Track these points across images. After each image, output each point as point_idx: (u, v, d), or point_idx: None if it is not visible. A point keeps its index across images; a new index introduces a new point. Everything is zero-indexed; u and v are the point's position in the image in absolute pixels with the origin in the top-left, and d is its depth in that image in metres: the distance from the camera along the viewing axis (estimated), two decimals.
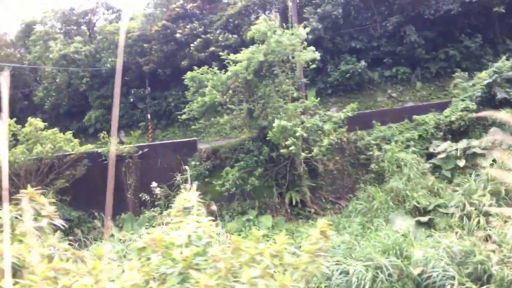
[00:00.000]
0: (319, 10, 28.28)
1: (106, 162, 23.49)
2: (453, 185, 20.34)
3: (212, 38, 29.76)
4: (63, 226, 3.46)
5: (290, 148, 18.75)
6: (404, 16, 28.93)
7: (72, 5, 35.12)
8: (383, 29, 30.32)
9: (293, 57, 21.19)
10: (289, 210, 22.31)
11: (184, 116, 22.77)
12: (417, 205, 19.11)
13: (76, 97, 36.78)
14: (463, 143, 20.96)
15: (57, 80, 36.77)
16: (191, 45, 29.32)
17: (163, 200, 22.85)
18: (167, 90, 33.98)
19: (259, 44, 20.16)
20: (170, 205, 23.01)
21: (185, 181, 23.31)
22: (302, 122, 20.66)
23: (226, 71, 21.89)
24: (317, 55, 20.26)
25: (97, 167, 23.65)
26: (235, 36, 29.56)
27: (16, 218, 3.58)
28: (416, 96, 31.43)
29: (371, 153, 22.55)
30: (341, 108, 26.82)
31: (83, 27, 36.42)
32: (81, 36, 35.59)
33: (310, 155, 19.80)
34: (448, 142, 21.78)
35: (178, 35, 29.36)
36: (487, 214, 16.77)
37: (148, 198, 22.89)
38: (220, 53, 21.37)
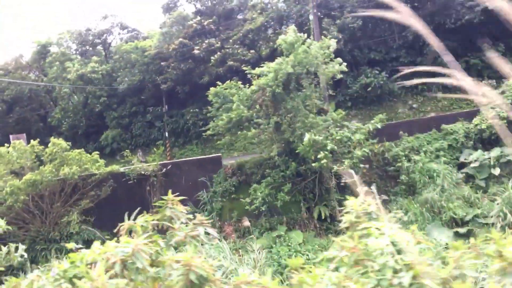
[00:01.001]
0: (338, 21, 28.10)
1: (130, 182, 23.19)
2: (488, 194, 19.80)
3: (230, 52, 29.63)
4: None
5: (322, 162, 18.33)
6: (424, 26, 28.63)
7: (88, 26, 35.23)
8: (402, 40, 30.07)
9: (317, 70, 20.93)
10: (318, 225, 21.79)
11: (208, 132, 22.47)
12: (454, 216, 18.58)
13: (92, 117, 36.69)
14: (496, 151, 20.46)
15: (73, 101, 36.73)
16: (211, 58, 29.17)
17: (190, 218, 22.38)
18: (184, 107, 33.80)
19: (286, 55, 19.91)
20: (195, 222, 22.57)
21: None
22: (331, 135, 20.27)
23: (250, 85, 21.67)
24: (344, 66, 20.00)
25: (120, 186, 23.33)
26: (253, 51, 29.40)
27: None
28: (437, 106, 31.02)
29: (400, 164, 22.08)
30: (361, 121, 26.47)
31: (99, 47, 36.51)
32: (97, 56, 35.64)
33: (342, 167, 19.35)
34: (480, 151, 21.30)
35: (196, 52, 29.26)
36: None
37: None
38: (244, 67, 21.11)
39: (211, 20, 30.33)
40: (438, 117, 25.48)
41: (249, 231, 22.03)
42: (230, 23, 31.59)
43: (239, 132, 20.85)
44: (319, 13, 25.85)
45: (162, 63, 30.90)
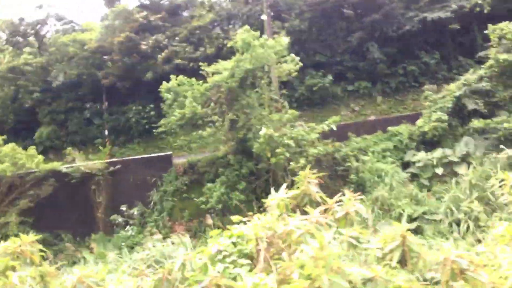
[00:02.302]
0: (286, 24, 28.46)
1: (74, 181, 21.90)
2: (432, 192, 20.93)
3: (177, 50, 28.96)
4: None
5: (280, 157, 18.47)
6: (367, 33, 29.82)
7: (21, 15, 32.84)
8: (346, 45, 31.04)
9: (271, 68, 21.06)
10: None
11: (160, 129, 21.79)
12: (403, 213, 19.41)
13: (22, 113, 34.19)
14: (438, 152, 21.65)
15: (1, 95, 34.05)
16: (159, 56, 28.34)
17: (139, 218, 21.57)
18: (126, 104, 32.48)
19: (241, 53, 19.79)
20: (146, 223, 21.62)
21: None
22: (285, 134, 20.42)
23: (204, 82, 21.32)
24: (299, 63, 20.38)
25: (63, 186, 21.94)
26: (202, 48, 28.98)
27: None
28: (377, 110, 32.30)
29: (349, 164, 22.69)
30: (306, 122, 26.94)
31: (31, 38, 34.14)
32: (31, 47, 33.36)
33: (299, 165, 19.55)
34: (423, 152, 22.44)
35: (143, 47, 28.30)
36: (476, 219, 17.34)
37: (121, 219, 21.49)
38: (201, 64, 20.74)
39: (158, 16, 29.51)
40: (383, 119, 26.58)
41: (201, 231, 21.63)
42: (176, 20, 30.91)
43: (193, 133, 20.42)
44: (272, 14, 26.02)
45: (104, 57, 29.55)
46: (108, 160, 22.58)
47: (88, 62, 30.20)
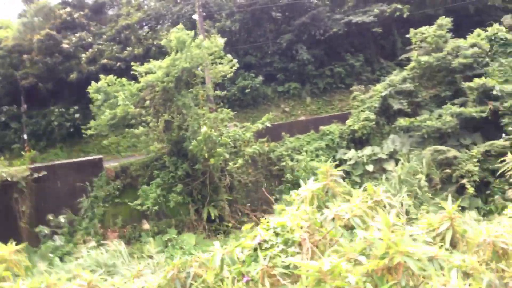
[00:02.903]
0: (218, 24, 28.32)
1: None
2: (363, 189, 21.74)
3: (103, 49, 27.75)
4: None
5: (219, 157, 18.35)
6: (295, 35, 30.45)
7: None
8: (276, 46, 31.50)
9: (207, 68, 20.86)
10: (206, 227, 21.57)
11: (89, 132, 20.74)
12: None
13: None
14: (368, 150, 22.58)
15: None
16: (82, 56, 26.96)
17: (68, 226, 20.35)
18: (47, 107, 30.59)
19: (177, 52, 19.37)
20: (76, 231, 20.48)
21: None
22: (222, 133, 20.32)
23: (135, 82, 20.66)
24: (236, 64, 20.40)
25: None
26: (130, 48, 28.01)
27: None
28: (306, 110, 33.10)
29: (284, 163, 23.02)
30: (239, 123, 27.02)
31: None
32: None
33: (236, 165, 19.53)
34: (353, 150, 23.29)
35: (65, 46, 26.76)
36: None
37: (47, 229, 20.13)
38: (132, 64, 20.02)
39: (82, 13, 28.09)
40: (314, 119, 27.24)
41: (135, 237, 20.86)
42: (102, 18, 29.63)
43: (126, 130, 19.63)
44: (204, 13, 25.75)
45: (24, 56, 27.57)
46: (31, 166, 21.05)
47: (5, 61, 28.04)
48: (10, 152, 30.15)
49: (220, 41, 19.72)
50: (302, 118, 31.57)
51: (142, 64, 21.80)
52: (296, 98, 33.18)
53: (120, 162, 21.94)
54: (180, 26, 19.23)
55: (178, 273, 3.60)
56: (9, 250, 4.41)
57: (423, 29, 23.71)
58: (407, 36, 25.11)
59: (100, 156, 22.80)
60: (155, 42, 30.02)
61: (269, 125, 21.19)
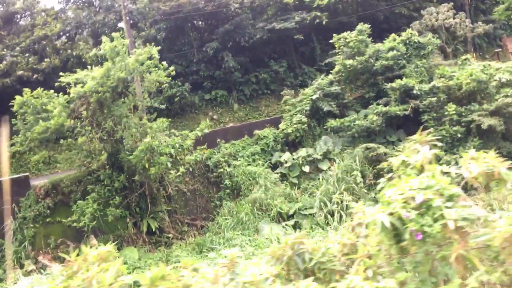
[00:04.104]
0: (142, 33, 27.72)
1: None
2: (302, 189, 22.43)
3: (19, 61, 25.99)
4: None
5: (161, 166, 17.99)
6: (221, 42, 30.69)
7: None
8: (201, 55, 31.49)
9: (142, 77, 20.39)
10: (147, 239, 20.96)
11: (15, 148, 19.30)
12: (281, 211, 20.46)
13: None
14: (303, 152, 23.33)
15: None
16: None
17: None
18: None
19: (112, 61, 18.70)
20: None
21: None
22: (161, 143, 19.91)
23: (65, 94, 19.63)
24: (172, 71, 20.21)
25: None
26: (48, 59, 26.52)
27: None
28: (234, 117, 33.39)
29: (221, 170, 23.06)
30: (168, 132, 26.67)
31: None
32: None
33: (179, 173, 19.25)
34: (288, 153, 23.93)
35: None
36: (346, 208, 19.10)
37: None
38: (61, 74, 19.00)
39: None
40: (247, 124, 27.54)
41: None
42: (14, 28, 27.73)
43: (62, 141, 18.56)
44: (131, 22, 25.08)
45: None
46: None
47: None
48: None
49: (154, 50, 19.35)
50: (231, 125, 31.82)
51: (58, 76, 20.79)
52: (223, 105, 33.36)
53: (50, 179, 20.63)
54: (116, 34, 18.57)
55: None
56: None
57: (345, 34, 25.08)
58: (326, 42, 26.44)
59: (26, 173, 21.27)
60: (74, 53, 28.71)
61: (207, 131, 21.15)
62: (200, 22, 32.57)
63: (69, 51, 28.41)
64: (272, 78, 33.32)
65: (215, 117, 33.06)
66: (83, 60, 28.89)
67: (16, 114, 19.52)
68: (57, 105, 18.76)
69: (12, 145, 19.65)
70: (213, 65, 32.14)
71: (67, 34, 28.60)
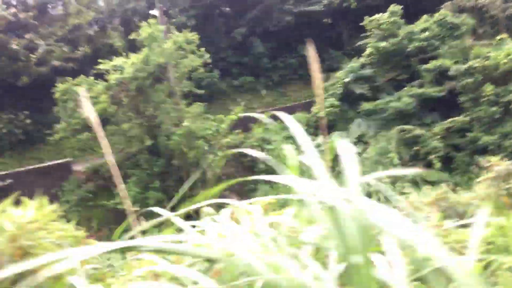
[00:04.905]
0: (172, 20, 27.96)
1: None
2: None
3: (53, 50, 26.50)
4: None
5: (199, 150, 18.32)
6: (249, 28, 30.76)
7: None
8: (229, 41, 31.61)
9: (179, 63, 20.67)
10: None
11: (57, 136, 19.85)
12: None
13: None
14: (336, 135, 23.37)
15: None
16: (31, 57, 25.56)
17: None
18: None
19: (148, 46, 19.01)
20: None
21: None
22: (202, 126, 20.25)
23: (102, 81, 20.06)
24: (207, 57, 20.42)
25: None
26: (82, 48, 26.97)
27: None
28: (262, 102, 33.50)
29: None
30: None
31: None
32: None
33: (217, 158, 19.54)
34: (321, 137, 24.01)
35: (14, 47, 25.22)
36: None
37: None
38: (100, 61, 19.38)
39: (30, 14, 26.55)
40: (281, 108, 27.65)
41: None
42: (48, 18, 28.20)
43: (107, 126, 19.01)
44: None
45: None
46: None
47: None
48: None
49: (194, 36, 19.61)
50: (260, 110, 31.96)
51: (91, 65, 21.19)
52: (251, 91, 33.50)
53: (90, 164, 21.17)
54: (152, 20, 18.85)
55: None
56: None
57: (377, 16, 24.90)
58: (352, 26, 26.24)
59: (69, 159, 21.85)
60: (106, 41, 29.15)
61: (242, 115, 21.38)
62: (227, 8, 32.61)
63: (100, 39, 28.80)
64: (300, 63, 33.26)
65: (243, 103, 33.23)
66: (114, 48, 29.30)
67: (57, 101, 20.03)
68: (98, 92, 19.20)
69: (51, 134, 20.19)
70: (241, 51, 32.25)
71: (99, 23, 28.98)
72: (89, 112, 3.34)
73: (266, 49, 31.61)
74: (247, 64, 32.37)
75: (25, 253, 2.02)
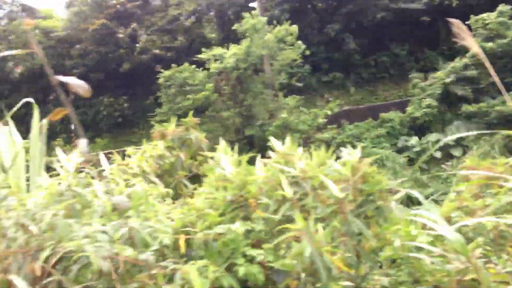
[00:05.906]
0: (267, 13, 28.21)
1: None
2: (432, 175, 21.73)
3: (154, 39, 27.76)
4: None
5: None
6: (343, 24, 30.35)
7: None
8: (321, 36, 31.38)
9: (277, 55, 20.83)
10: None
11: (157, 118, 20.77)
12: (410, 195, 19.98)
13: None
14: (433, 137, 22.54)
15: None
16: (137, 45, 26.97)
17: None
18: (94, 97, 30.63)
19: (249, 38, 19.33)
20: None
21: None
22: (298, 118, 20.32)
23: (204, 69, 20.69)
24: (306, 50, 20.39)
25: None
26: (181, 38, 28.01)
27: None
28: (350, 100, 32.99)
29: None
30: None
31: None
32: None
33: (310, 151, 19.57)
34: (416, 137, 23.26)
35: (120, 36, 26.76)
36: None
37: None
38: (203, 49, 20.00)
39: (136, 4, 28.04)
40: (372, 106, 27.14)
41: None
42: (151, 8, 29.60)
43: (206, 112, 19.65)
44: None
45: (77, 46, 27.57)
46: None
47: (56, 51, 28.06)
48: (59, 142, 30.25)
49: (294, 27, 19.69)
50: (346, 108, 31.50)
51: (187, 55, 21.80)
52: (339, 88, 33.09)
53: None
54: (255, 12, 19.17)
55: None
56: None
57: (484, 15, 23.61)
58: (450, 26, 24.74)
59: None
60: (201, 32, 30.08)
61: (336, 110, 21.21)
62: (320, 4, 32.40)
63: (196, 30, 29.73)
64: (392, 61, 32.36)
65: (330, 99, 32.90)
66: (207, 39, 30.18)
67: (160, 86, 20.95)
68: (200, 79, 19.84)
69: (154, 116, 21.13)
70: (332, 47, 31.91)
71: (196, 15, 29.92)
72: None
73: (357, 46, 31.02)
74: (337, 60, 31.99)
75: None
